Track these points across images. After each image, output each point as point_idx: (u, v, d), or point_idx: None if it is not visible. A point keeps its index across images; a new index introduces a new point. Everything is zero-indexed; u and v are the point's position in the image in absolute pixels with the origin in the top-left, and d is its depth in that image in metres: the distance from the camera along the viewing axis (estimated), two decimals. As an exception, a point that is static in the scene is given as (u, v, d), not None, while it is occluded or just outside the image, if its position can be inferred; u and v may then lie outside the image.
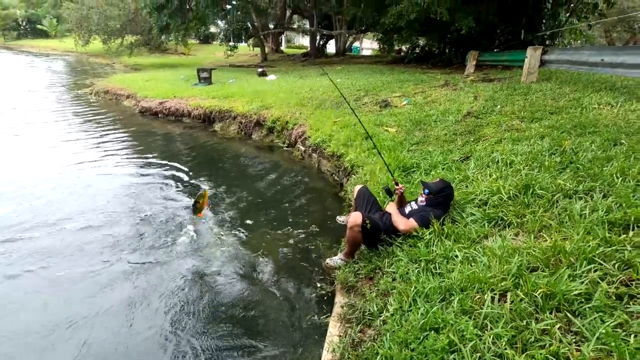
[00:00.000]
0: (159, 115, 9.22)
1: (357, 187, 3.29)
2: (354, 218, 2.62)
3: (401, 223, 2.66)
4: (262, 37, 21.40)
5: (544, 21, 11.56)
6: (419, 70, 12.01)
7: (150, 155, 6.27)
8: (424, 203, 2.74)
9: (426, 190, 2.75)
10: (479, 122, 4.98)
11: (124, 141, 7.04)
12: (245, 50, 28.50)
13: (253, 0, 15.93)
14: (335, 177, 5.22)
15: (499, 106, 5.34)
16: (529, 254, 2.01)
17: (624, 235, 1.89)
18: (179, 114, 8.87)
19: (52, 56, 29.27)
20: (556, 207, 2.44)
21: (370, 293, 2.31)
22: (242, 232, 3.84)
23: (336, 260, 2.88)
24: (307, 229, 3.91)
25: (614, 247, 1.80)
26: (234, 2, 16.09)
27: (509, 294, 1.81)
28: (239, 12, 15.16)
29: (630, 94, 4.59)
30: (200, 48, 32.40)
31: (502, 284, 1.87)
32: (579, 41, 13.51)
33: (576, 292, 1.64)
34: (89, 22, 20.43)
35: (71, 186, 4.80)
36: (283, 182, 5.29)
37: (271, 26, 23.13)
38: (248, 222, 4.07)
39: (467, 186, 3.21)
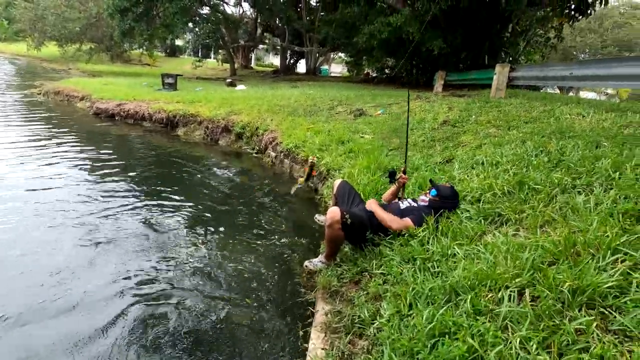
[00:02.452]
0: (116, 118, 8.50)
1: (337, 182, 2.98)
2: (332, 214, 2.29)
3: (391, 220, 2.37)
4: (231, 51, 21.17)
5: (504, 49, 12.28)
6: (389, 88, 12.23)
7: (103, 160, 5.61)
8: (426, 204, 2.47)
9: (433, 192, 2.48)
10: (456, 130, 4.92)
11: (72, 145, 6.27)
12: (213, 65, 28.11)
13: (224, 12, 15.70)
14: (309, 183, 4.89)
15: (474, 116, 5.35)
16: (540, 247, 1.78)
17: (641, 225, 1.71)
18: (138, 117, 8.21)
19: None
20: (556, 201, 2.26)
21: (359, 297, 1.96)
22: (212, 243, 3.34)
23: (316, 263, 2.52)
24: (281, 235, 3.51)
25: (637, 235, 1.60)
26: (204, 13, 15.77)
27: (527, 291, 1.54)
28: (208, 23, 14.81)
29: (597, 106, 4.74)
30: (166, 60, 31.51)
31: (517, 280, 1.60)
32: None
33: (607, 284, 1.40)
34: (44, 23, 19.12)
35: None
36: (254, 188, 4.87)
37: (242, 41, 23.04)
38: (217, 232, 3.58)
39: (455, 185, 3.00)
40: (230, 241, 3.33)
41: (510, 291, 1.56)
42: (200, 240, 3.31)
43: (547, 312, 1.39)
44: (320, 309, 2.02)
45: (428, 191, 2.56)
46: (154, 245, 3.17)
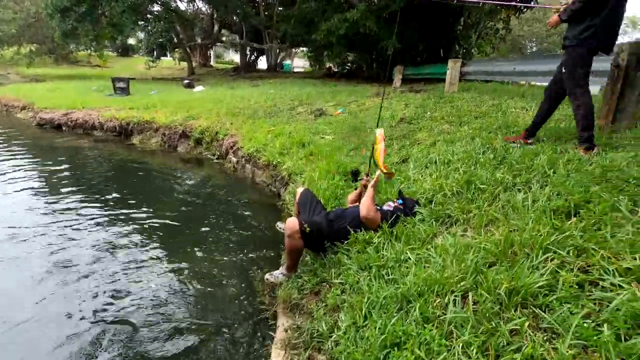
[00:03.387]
0: (64, 128, 7.97)
1: (299, 189, 3.00)
2: (291, 224, 2.31)
3: (369, 209, 2.39)
4: (188, 50, 20.41)
5: (458, 41, 12.76)
6: (350, 84, 12.33)
7: (51, 176, 5.26)
8: (391, 209, 2.55)
9: (400, 201, 2.60)
10: (412, 127, 5.07)
11: (16, 161, 5.83)
12: (170, 64, 26.98)
13: (177, 9, 15.06)
14: (272, 188, 4.87)
15: (429, 112, 5.53)
16: (482, 248, 1.89)
17: (570, 222, 1.86)
18: (88, 127, 7.75)
19: None
20: (499, 200, 2.40)
21: (318, 310, 1.99)
22: (169, 256, 3.25)
23: (277, 275, 2.52)
24: (243, 246, 3.48)
25: (564, 234, 1.74)
26: (156, 11, 15.04)
27: (470, 294, 1.64)
28: (161, 22, 14.15)
29: (538, 100, 5.05)
30: (118, 61, 29.88)
31: (462, 283, 1.69)
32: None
33: (538, 284, 1.52)
34: (-25, 25, 17.50)
35: None
36: (215, 196, 4.77)
37: (198, 39, 22.26)
38: (176, 245, 3.49)
39: (409, 187, 3.11)
40: (191, 255, 3.26)
41: (455, 296, 1.65)
42: (157, 257, 3.21)
43: (486, 315, 1.48)
44: (281, 325, 2.04)
45: (395, 200, 2.64)
46: (109, 264, 3.04)
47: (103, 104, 8.81)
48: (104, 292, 2.70)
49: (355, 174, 2.85)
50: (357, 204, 2.69)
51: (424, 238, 2.26)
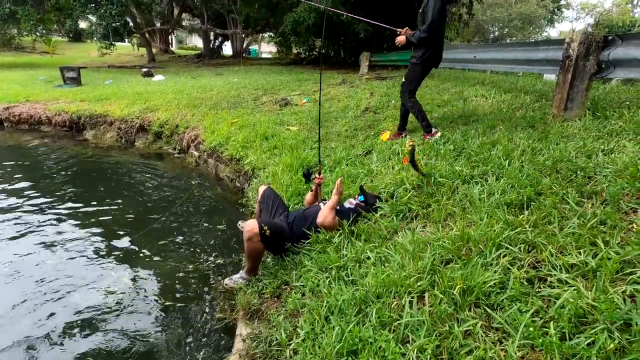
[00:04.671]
0: (5, 125, 7.32)
1: (262, 188, 2.89)
2: (250, 227, 2.23)
3: (325, 217, 2.33)
4: (147, 35, 19.28)
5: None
6: (317, 71, 12.14)
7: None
8: (352, 207, 2.50)
9: (361, 197, 2.55)
10: (377, 116, 5.06)
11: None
12: (129, 50, 25.46)
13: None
14: (236, 183, 4.72)
15: (393, 101, 5.53)
16: (440, 245, 1.89)
17: (522, 216, 1.89)
18: (34, 122, 7.16)
19: None
20: (457, 193, 2.42)
21: (277, 316, 1.93)
22: (125, 259, 3.08)
23: (236, 279, 2.43)
24: (205, 245, 3.35)
25: (516, 230, 1.77)
26: (107, -7, 13.94)
27: (427, 295, 1.63)
28: (114, 4, 13.17)
29: (498, 87, 5.17)
30: (70, 46, 27.85)
31: (419, 284, 1.68)
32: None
33: (491, 282, 1.53)
34: None
35: None
36: (175, 193, 4.55)
37: (157, 24, 21.04)
38: (130, 244, 3.31)
39: (372, 180, 3.09)
40: (148, 258, 3.10)
41: (412, 297, 1.64)
42: (112, 259, 3.03)
43: (441, 317, 1.48)
44: (239, 334, 1.96)
45: (357, 196, 2.59)
46: (59, 271, 2.83)
47: (51, 96, 8.15)
48: (52, 298, 2.50)
49: (307, 175, 2.79)
50: (316, 204, 2.64)
51: (385, 235, 2.24)
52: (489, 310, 1.45)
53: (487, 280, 1.54)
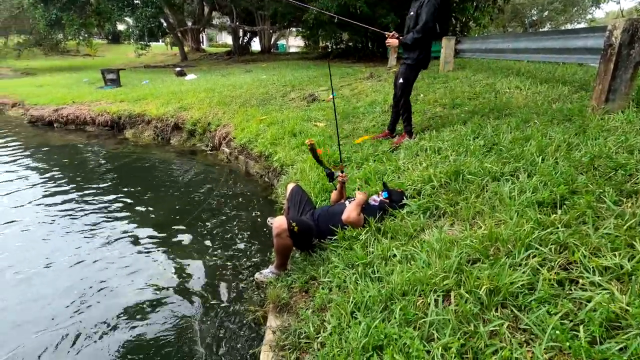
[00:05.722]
0: (55, 125, 7.90)
1: (290, 186, 2.98)
2: (279, 223, 2.31)
3: (350, 210, 2.38)
4: (179, 34, 19.94)
5: (453, 14, 12.38)
6: (344, 64, 12.09)
7: (49, 174, 5.25)
8: (377, 204, 2.53)
9: (385, 194, 2.56)
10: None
11: (12, 159, 5.81)
12: (163, 49, 26.48)
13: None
14: (266, 179, 4.85)
15: (422, 95, 5.43)
16: (467, 245, 1.88)
17: (554, 215, 1.84)
18: (80, 122, 7.67)
19: None
20: (486, 191, 2.38)
21: (305, 310, 2.01)
22: (159, 249, 3.30)
23: (267, 273, 2.54)
24: (236, 239, 3.50)
25: (547, 230, 1.73)
26: (142, -4, 14.56)
27: (452, 294, 1.64)
28: (148, 7, 13.74)
29: (534, 77, 4.94)
30: (109, 48, 29.33)
31: (445, 282, 1.69)
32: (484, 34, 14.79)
33: (519, 283, 1.52)
34: (-40, 19, 17.07)
35: None
36: (208, 188, 4.76)
37: (189, 23, 21.69)
38: (166, 236, 3.52)
39: (399, 177, 3.09)
40: (183, 251, 3.28)
41: (438, 295, 1.65)
42: (148, 256, 3.23)
43: (466, 317, 1.49)
44: (270, 326, 2.06)
45: (381, 192, 2.62)
46: (99, 260, 3.10)
47: (94, 97, 8.69)
48: (89, 292, 2.73)
49: (330, 175, 2.83)
50: (342, 201, 2.68)
51: (411, 233, 2.25)
52: (516, 311, 1.44)
53: (515, 281, 1.52)
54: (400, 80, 3.77)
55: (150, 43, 16.86)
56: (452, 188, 2.53)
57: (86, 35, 17.02)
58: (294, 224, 2.33)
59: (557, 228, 1.73)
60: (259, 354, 1.94)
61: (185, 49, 21.08)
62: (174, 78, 11.39)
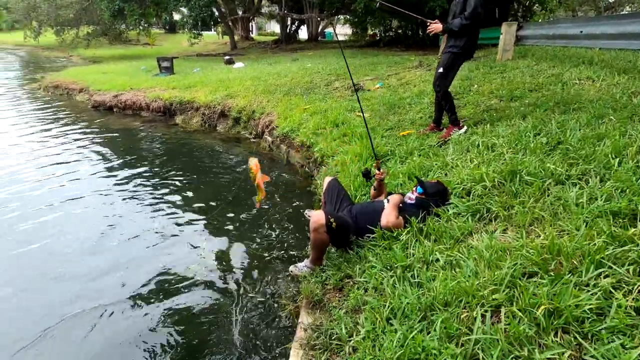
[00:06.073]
0: (114, 110, 8.46)
1: (327, 180, 2.89)
2: (316, 218, 2.23)
3: (388, 214, 2.24)
4: (230, 23, 20.42)
5: (515, -1, 11.40)
6: (392, 52, 11.66)
7: (106, 155, 5.64)
8: (413, 202, 2.38)
9: (420, 189, 2.39)
10: (456, 102, 4.65)
11: (76, 140, 6.32)
12: (214, 38, 27.35)
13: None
14: (306, 169, 4.81)
15: (475, 85, 5.05)
16: (522, 255, 1.68)
17: (633, 230, 1.57)
18: (136, 107, 8.15)
19: (1, 51, 27.03)
20: (548, 195, 2.12)
21: (338, 310, 1.93)
22: (200, 234, 3.41)
23: (301, 267, 2.49)
24: (273, 229, 3.50)
25: (624, 247, 1.48)
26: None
27: (502, 310, 1.47)
28: (202, -3, 14.18)
29: (611, 67, 4.36)
30: (166, 38, 30.83)
31: (494, 296, 1.52)
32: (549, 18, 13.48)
33: (586, 307, 1.31)
34: (38, 12, 18.76)
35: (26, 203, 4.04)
36: (248, 177, 4.81)
37: (239, 12, 22.13)
38: (208, 221, 3.63)
39: (446, 174, 2.87)
40: (222, 238, 3.35)
41: (485, 310, 1.49)
42: (185, 239, 3.34)
43: (519, 339, 1.32)
44: (301, 323, 2.01)
45: (415, 188, 2.44)
46: (146, 240, 3.29)
47: (149, 84, 9.17)
48: (132, 266, 2.87)
49: (367, 174, 2.69)
50: (381, 198, 2.55)
51: (457, 236, 2.08)
52: (580, 339, 1.25)
53: (581, 304, 1.32)
54: (440, 70, 3.56)
55: (203, 32, 17.45)
56: (507, 189, 2.29)
57: (146, 25, 17.99)
58: (332, 220, 2.24)
59: (637, 245, 1.47)
60: (289, 350, 1.90)
61: (235, 37, 21.54)
62: (223, 66, 11.69)
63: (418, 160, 3.23)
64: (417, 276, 1.88)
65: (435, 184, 2.44)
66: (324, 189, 2.87)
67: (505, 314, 1.45)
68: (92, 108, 8.70)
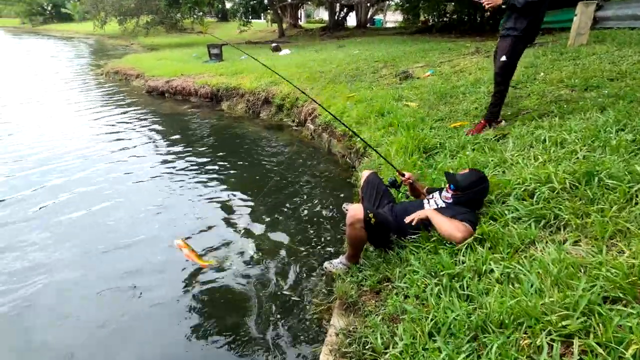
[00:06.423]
0: (166, 95, 8.81)
1: (365, 173, 2.69)
2: (354, 212, 2.05)
3: (453, 229, 1.89)
4: (278, 11, 20.44)
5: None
6: (445, 39, 10.94)
7: (157, 138, 5.90)
8: (450, 200, 2.12)
9: (452, 186, 2.12)
10: (518, 92, 4.20)
11: (132, 122, 6.68)
12: (263, 26, 27.60)
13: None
14: (347, 160, 4.63)
15: (542, 73, 4.50)
16: (601, 275, 1.39)
17: None
18: (185, 93, 8.40)
19: (74, 39, 29.47)
20: (635, 203, 1.77)
21: (374, 316, 1.76)
22: (238, 220, 3.41)
23: (336, 264, 2.35)
24: (310, 220, 3.39)
25: None
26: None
27: (575, 342, 1.21)
28: (252, -16, 14.28)
29: None
30: (218, 26, 31.67)
31: (564, 323, 1.27)
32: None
33: (695, 351, 1.02)
34: (104, 3, 20.09)
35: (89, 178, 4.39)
36: (289, 165, 4.75)
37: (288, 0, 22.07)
38: (246, 208, 3.63)
39: (504, 172, 2.55)
40: (259, 227, 3.29)
41: (553, 339, 1.24)
42: (230, 226, 3.33)
43: (598, 382, 1.07)
44: (333, 325, 1.87)
45: (448, 186, 2.18)
46: (185, 224, 3.34)
47: (199, 71, 9.42)
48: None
49: (394, 183, 2.47)
50: (420, 197, 2.32)
51: (517, 245, 1.80)
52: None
53: (688, 348, 1.04)
54: (503, 58, 3.13)
55: (252, 20, 17.65)
56: (581, 194, 1.96)
57: (199, 13, 18.55)
58: (370, 215, 2.06)
59: None
60: (319, 353, 1.77)
61: (284, 25, 21.56)
62: (270, 53, 11.71)
63: (471, 155, 2.91)
64: (467, 287, 1.65)
65: (465, 173, 2.13)
66: (361, 182, 2.68)
67: (579, 347, 1.19)
68: (147, 93, 9.13)
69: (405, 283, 1.88)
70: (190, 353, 2.09)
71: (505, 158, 2.70)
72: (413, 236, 2.11)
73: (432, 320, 1.54)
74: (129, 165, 4.71)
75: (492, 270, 1.68)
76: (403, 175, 2.43)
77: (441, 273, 1.78)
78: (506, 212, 2.07)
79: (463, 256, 1.82)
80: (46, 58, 16.85)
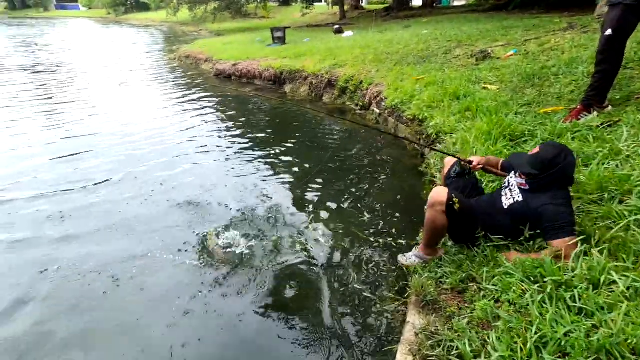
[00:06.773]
0: (232, 78, 9.09)
1: (450, 161, 2.43)
2: (436, 193, 1.86)
3: (568, 245, 1.60)
4: (341, -8, 19.95)
5: None
6: (527, 15, 9.80)
7: (224, 118, 6.14)
8: (526, 187, 1.82)
9: (516, 172, 1.87)
10: (629, 73, 3.56)
11: (201, 102, 7.03)
12: (324, 9, 27.29)
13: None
14: (416, 146, 4.35)
15: (658, 50, 3.77)
16: None
17: None
18: (250, 76, 8.59)
19: (150, 27, 31.75)
20: None
21: (460, 320, 1.58)
22: (299, 212, 3.30)
23: (411, 258, 2.17)
24: (377, 210, 3.23)
25: None
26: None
27: None
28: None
29: None
30: (280, 10, 32.00)
31: None
32: None
33: None
34: (176, -9, 21.27)
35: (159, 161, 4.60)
36: (353, 150, 4.60)
37: (351, -20, 21.43)
38: (310, 196, 3.55)
39: (618, 166, 2.16)
40: (324, 214, 3.21)
41: None
42: (296, 215, 3.25)
43: None
44: (411, 324, 1.73)
45: (519, 174, 1.87)
46: (245, 203, 3.41)
47: (263, 54, 9.56)
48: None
49: (462, 174, 2.18)
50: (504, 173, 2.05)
51: (645, 254, 1.49)
52: None
53: None
54: (609, 32, 2.66)
55: (314, 3, 17.48)
56: None
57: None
58: (455, 200, 1.84)
59: None
60: (395, 352, 1.65)
61: (345, 7, 21.05)
62: (332, 36, 11.49)
63: (574, 144, 2.52)
64: (580, 299, 1.40)
65: (542, 151, 1.77)
66: (444, 171, 2.44)
67: None
68: (214, 76, 9.51)
69: (494, 285, 1.66)
70: (264, 337, 2.06)
71: (618, 149, 2.29)
72: (504, 237, 1.86)
73: (535, 332, 1.33)
74: (201, 143, 4.96)
75: (614, 282, 1.40)
76: (470, 162, 2.15)
77: (543, 278, 1.53)
78: (626, 213, 1.73)
79: (572, 262, 1.56)
80: (128, 45, 18.34)
